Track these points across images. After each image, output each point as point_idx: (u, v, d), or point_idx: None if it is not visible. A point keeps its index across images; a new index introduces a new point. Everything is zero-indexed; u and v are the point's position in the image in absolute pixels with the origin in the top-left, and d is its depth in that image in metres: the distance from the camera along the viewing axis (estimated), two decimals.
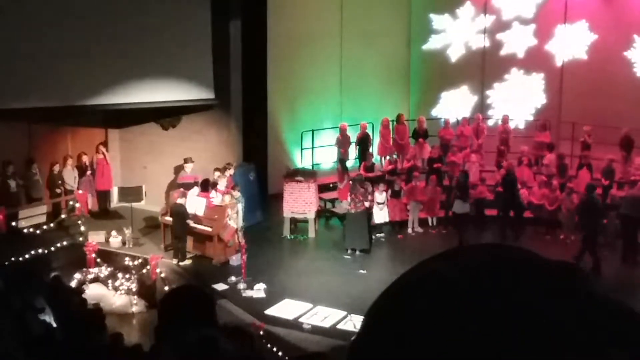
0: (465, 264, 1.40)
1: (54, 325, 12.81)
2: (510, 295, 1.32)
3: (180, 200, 20.56)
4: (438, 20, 27.01)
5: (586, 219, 20.53)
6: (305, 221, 22.29)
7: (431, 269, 1.44)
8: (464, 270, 1.38)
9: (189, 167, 22.71)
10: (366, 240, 20.94)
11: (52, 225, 21.38)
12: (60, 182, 22.66)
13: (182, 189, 21.23)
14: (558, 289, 1.34)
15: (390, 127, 25.67)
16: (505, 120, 25.56)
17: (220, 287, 18.91)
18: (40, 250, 19.88)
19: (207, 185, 21.28)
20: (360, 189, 21.09)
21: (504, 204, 22.16)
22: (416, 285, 1.42)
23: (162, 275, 19.51)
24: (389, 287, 1.46)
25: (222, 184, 21.32)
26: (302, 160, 25.36)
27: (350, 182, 21.67)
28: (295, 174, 22.80)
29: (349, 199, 21.16)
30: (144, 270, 19.78)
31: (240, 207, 20.76)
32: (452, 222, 22.46)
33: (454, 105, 27.18)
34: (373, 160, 24.46)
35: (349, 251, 20.84)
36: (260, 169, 23.47)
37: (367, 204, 21.10)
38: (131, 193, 22.44)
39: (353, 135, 25.19)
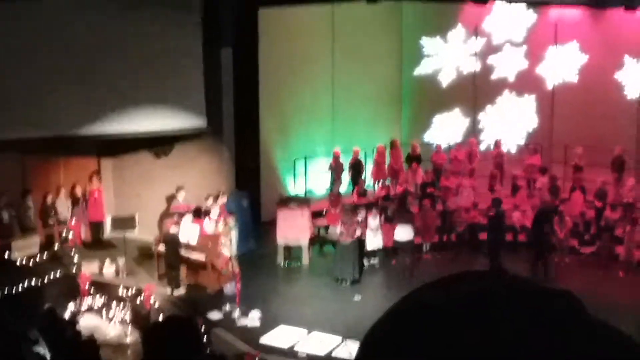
0: (455, 293, 1.41)
1: (48, 356, 12.75)
2: (499, 322, 1.33)
3: (172, 229, 20.54)
4: (429, 43, 27.12)
5: (492, 233, 21.00)
6: (299, 248, 22.27)
7: (421, 297, 1.44)
8: (453, 299, 1.39)
9: (181, 195, 22.67)
10: (354, 271, 20.88)
11: (45, 256, 21.33)
12: (53, 212, 22.62)
13: (175, 218, 21.21)
14: (550, 314, 1.35)
15: (386, 153, 25.72)
16: (499, 144, 25.63)
17: (215, 315, 18.87)
18: (33, 282, 19.82)
19: (199, 214, 21.27)
20: (352, 218, 21.12)
21: (535, 240, 21.55)
22: (407, 314, 1.43)
23: (156, 304, 19.46)
24: (382, 317, 1.48)
25: (214, 212, 21.30)
26: (295, 187, 25.38)
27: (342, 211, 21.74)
28: (288, 201, 22.81)
29: (339, 229, 21.15)
30: (138, 300, 19.72)
31: (233, 234, 20.75)
32: (394, 251, 22.21)
33: (446, 128, 27.25)
34: (365, 186, 24.50)
35: (340, 281, 20.80)
36: (253, 196, 23.47)
37: (358, 232, 21.11)
38: (124, 222, 22.37)
39: (346, 161, 25.24)
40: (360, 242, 21.34)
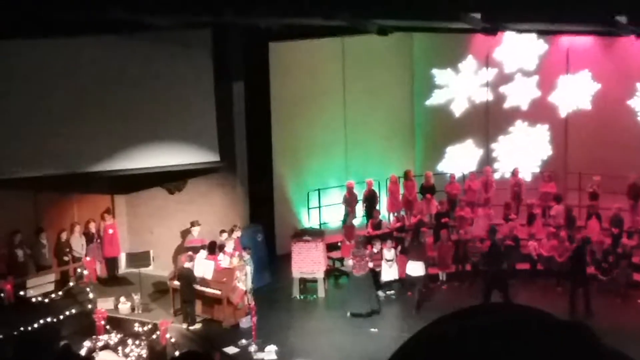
0: (469, 325, 1.41)
1: None
2: (510, 353, 1.32)
3: (187, 264, 20.57)
4: (441, 75, 27.15)
5: (490, 263, 20.81)
6: (315, 281, 22.26)
7: (437, 330, 1.45)
8: (467, 331, 1.39)
9: (196, 230, 22.73)
10: (371, 303, 20.85)
11: (60, 293, 21.37)
12: (68, 249, 22.67)
13: (189, 253, 21.23)
14: (560, 344, 1.34)
15: (400, 183, 25.71)
16: (516, 172, 25.56)
17: (231, 350, 18.87)
18: (49, 319, 19.86)
19: (214, 248, 21.30)
20: (364, 250, 21.13)
21: (573, 275, 21.03)
22: (423, 346, 1.44)
23: (172, 340, 19.45)
24: (398, 349, 1.49)
25: (229, 246, 21.33)
26: (309, 219, 25.39)
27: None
28: (302, 234, 22.83)
29: (351, 261, 21.16)
30: (154, 336, 19.72)
31: (248, 269, 20.77)
32: (406, 285, 22.03)
33: (459, 159, 27.22)
34: (380, 217, 24.50)
35: (348, 314, 20.77)
36: (267, 230, 23.51)
37: (370, 265, 21.10)
38: (139, 258, 22.45)
39: (359, 193, 25.23)
40: (374, 273, 21.36)
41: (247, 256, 20.96)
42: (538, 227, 23.71)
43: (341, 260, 23.58)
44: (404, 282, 22.08)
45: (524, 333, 1.39)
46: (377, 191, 25.58)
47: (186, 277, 20.37)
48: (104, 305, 20.96)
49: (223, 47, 22.54)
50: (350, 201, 25.01)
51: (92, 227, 23.35)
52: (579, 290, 20.60)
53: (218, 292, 20.33)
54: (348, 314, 20.78)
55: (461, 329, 1.43)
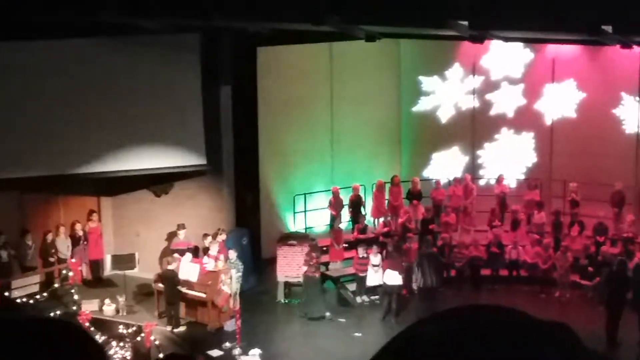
0: (451, 327, 1.42)
1: None
2: (491, 354, 1.33)
3: (170, 266, 20.50)
4: (427, 82, 27.12)
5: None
6: (300, 285, 22.21)
7: (416, 332, 1.45)
8: (447, 333, 1.40)
9: (182, 233, 22.66)
10: (321, 307, 20.97)
11: (45, 294, 21.28)
12: (53, 251, 22.57)
13: (175, 255, 21.17)
14: (543, 346, 1.35)
15: (385, 189, 25.68)
16: (501, 180, 25.56)
17: (215, 353, 18.81)
18: None
19: (197, 253, 21.28)
20: (313, 254, 21.23)
21: (613, 302, 19.67)
22: (403, 348, 1.44)
23: (157, 342, 19.37)
24: (378, 352, 1.48)
25: (214, 250, 21.26)
26: (295, 224, 25.34)
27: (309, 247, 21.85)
28: (288, 238, 22.78)
29: (305, 267, 21.33)
30: (139, 338, 19.64)
31: (234, 272, 20.70)
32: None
33: (445, 166, 27.19)
34: (366, 222, 24.49)
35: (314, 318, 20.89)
36: (253, 233, 23.47)
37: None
38: (124, 261, 22.34)
39: (345, 198, 25.20)
40: (360, 278, 21.49)
41: (233, 256, 20.89)
42: (522, 234, 23.75)
43: (327, 264, 23.52)
44: (381, 291, 21.84)
45: (503, 334, 1.40)
46: (363, 196, 25.55)
47: (169, 279, 20.31)
48: (89, 307, 20.87)
49: (211, 51, 22.51)
50: (335, 206, 24.97)
51: (78, 229, 23.24)
52: (617, 316, 19.47)
53: (203, 295, 20.28)
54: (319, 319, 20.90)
55: (440, 330, 1.43)
